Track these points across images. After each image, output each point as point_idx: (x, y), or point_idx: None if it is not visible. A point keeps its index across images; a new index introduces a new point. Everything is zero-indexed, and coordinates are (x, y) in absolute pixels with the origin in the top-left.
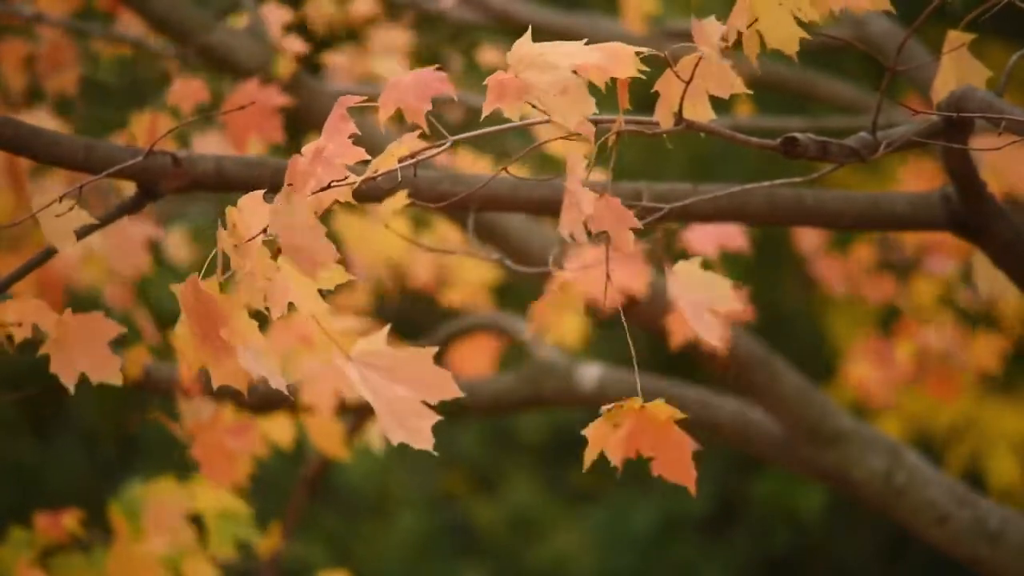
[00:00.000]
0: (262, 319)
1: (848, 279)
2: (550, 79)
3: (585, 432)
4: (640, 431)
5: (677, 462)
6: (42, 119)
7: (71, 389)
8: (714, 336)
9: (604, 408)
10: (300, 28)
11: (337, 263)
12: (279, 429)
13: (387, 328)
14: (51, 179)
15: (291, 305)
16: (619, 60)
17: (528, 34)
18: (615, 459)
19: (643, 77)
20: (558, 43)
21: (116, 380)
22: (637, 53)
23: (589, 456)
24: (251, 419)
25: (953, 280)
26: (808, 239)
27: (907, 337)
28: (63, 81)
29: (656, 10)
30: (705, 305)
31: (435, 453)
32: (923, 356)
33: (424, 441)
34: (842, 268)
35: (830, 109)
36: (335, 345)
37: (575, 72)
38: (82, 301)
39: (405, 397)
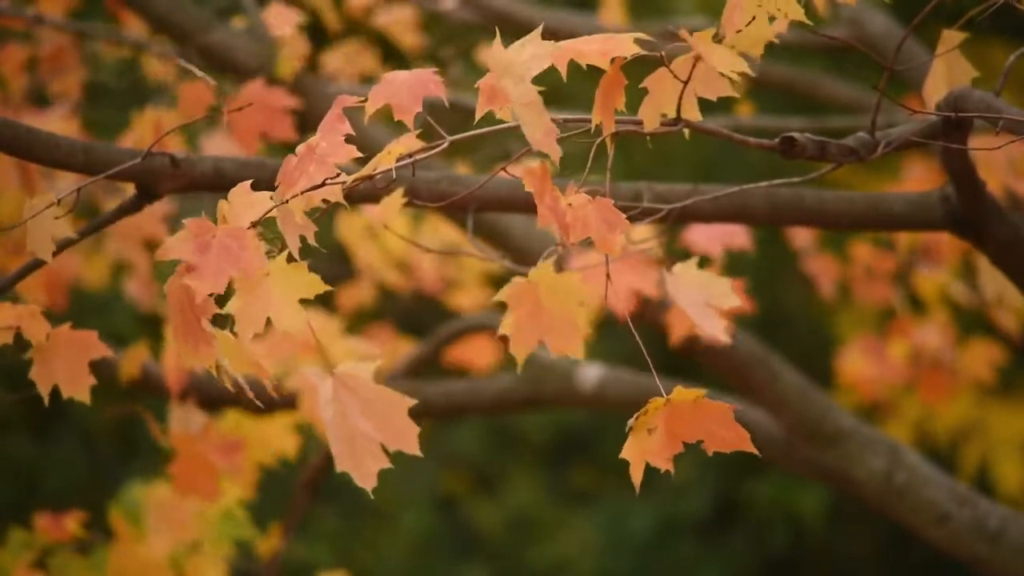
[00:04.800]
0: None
1: (842, 279)
2: (519, 92)
3: (623, 455)
4: (676, 423)
5: (726, 433)
6: (54, 121)
7: (45, 399)
8: (719, 331)
9: (629, 423)
10: (302, 28)
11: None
12: (262, 451)
13: (378, 362)
14: (62, 180)
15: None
16: (617, 43)
17: (498, 40)
18: (664, 463)
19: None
20: (526, 43)
21: (85, 399)
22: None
23: (637, 474)
24: (242, 439)
25: (951, 279)
26: (802, 235)
27: (902, 336)
28: (66, 84)
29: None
30: (706, 303)
31: (372, 497)
32: (918, 357)
33: (368, 482)
34: (834, 268)
35: (831, 109)
36: (322, 355)
37: (571, 61)
38: (92, 298)
39: (368, 435)
